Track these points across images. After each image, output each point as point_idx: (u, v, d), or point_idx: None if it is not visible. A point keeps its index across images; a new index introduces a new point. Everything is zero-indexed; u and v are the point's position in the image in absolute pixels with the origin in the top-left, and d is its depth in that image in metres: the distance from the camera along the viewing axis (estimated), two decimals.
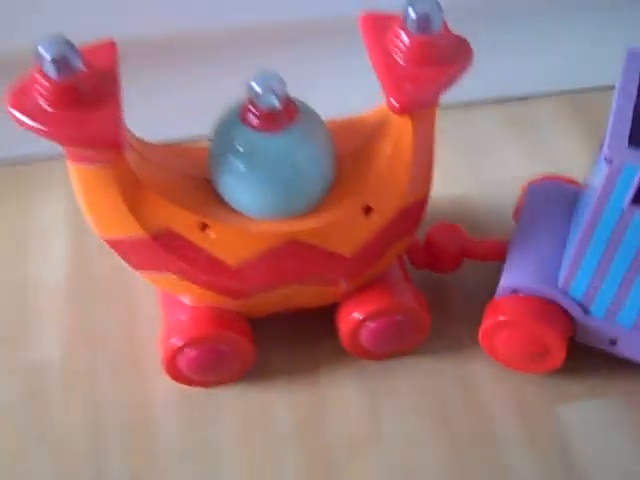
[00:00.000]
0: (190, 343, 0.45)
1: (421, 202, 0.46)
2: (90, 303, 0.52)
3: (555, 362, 0.48)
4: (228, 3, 0.56)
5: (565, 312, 0.47)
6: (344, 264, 0.44)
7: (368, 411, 0.48)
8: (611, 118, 0.40)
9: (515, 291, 0.47)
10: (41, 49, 0.37)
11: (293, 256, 0.43)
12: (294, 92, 0.43)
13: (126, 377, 0.49)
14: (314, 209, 0.44)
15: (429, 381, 0.49)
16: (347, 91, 0.55)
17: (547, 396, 0.49)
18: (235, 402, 0.48)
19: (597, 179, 0.42)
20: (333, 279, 0.46)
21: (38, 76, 0.37)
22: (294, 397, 0.49)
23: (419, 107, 0.41)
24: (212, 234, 0.43)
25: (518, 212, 0.54)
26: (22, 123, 0.38)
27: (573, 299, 0.46)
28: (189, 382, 0.48)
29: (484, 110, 0.65)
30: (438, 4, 0.40)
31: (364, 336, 0.48)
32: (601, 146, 0.44)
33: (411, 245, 0.50)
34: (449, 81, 0.41)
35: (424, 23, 0.40)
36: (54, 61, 0.37)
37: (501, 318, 0.47)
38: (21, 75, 0.39)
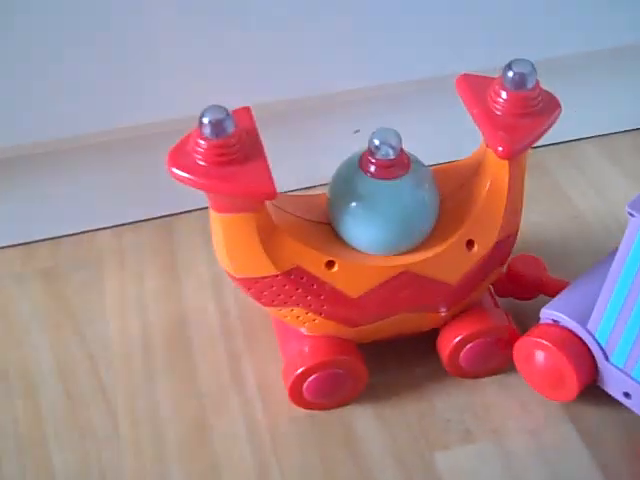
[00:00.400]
0: (313, 369, 0.52)
1: (513, 236, 0.55)
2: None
3: (568, 393, 0.54)
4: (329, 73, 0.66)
5: (590, 353, 0.54)
6: (449, 291, 0.52)
7: None
8: None
9: (555, 321, 0.54)
10: (204, 116, 0.44)
11: (406, 286, 0.50)
12: None
13: None
14: (422, 244, 0.51)
15: None
16: (434, 143, 0.63)
17: (424, 443, 0.54)
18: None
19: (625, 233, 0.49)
20: (439, 306, 0.53)
21: (197, 139, 0.44)
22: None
23: (520, 153, 0.50)
24: (336, 269, 0.50)
25: None
26: (182, 179, 0.45)
27: (597, 342, 0.53)
28: (312, 406, 0.55)
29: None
30: (532, 65, 0.49)
31: (463, 357, 0.56)
32: None
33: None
34: (543, 130, 0.50)
35: (520, 81, 0.48)
36: (212, 125, 0.44)
37: (534, 339, 0.54)
38: (179, 140, 0.46)
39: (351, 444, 0.55)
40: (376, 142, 0.48)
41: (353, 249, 0.51)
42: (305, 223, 0.52)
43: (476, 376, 0.58)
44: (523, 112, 0.50)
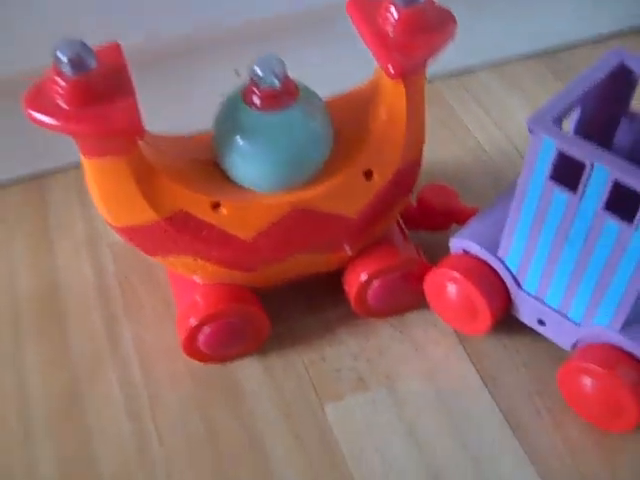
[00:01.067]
0: (207, 320, 0.49)
1: (416, 163, 0.51)
2: None
3: (483, 325, 0.52)
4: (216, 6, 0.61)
5: (502, 282, 0.51)
6: (350, 226, 0.49)
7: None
8: (556, 95, 0.45)
9: (465, 251, 0.52)
10: (58, 51, 0.40)
11: (302, 223, 0.47)
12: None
13: None
14: (316, 178, 0.48)
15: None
16: (334, 73, 0.59)
17: (314, 395, 0.51)
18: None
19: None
20: (340, 242, 0.50)
21: (55, 77, 0.41)
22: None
23: (412, 72, 0.46)
24: (224, 211, 0.46)
25: None
26: (41, 122, 0.41)
27: (508, 270, 0.50)
28: (207, 359, 0.52)
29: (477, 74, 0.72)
30: None
31: (371, 295, 0.53)
32: None
33: (406, 207, 0.56)
34: (437, 47, 0.46)
35: None
36: (70, 61, 0.40)
37: (444, 271, 0.51)
38: (36, 81, 0.42)
39: (237, 402, 0.51)
40: (258, 71, 0.45)
41: (242, 188, 0.48)
42: (189, 164, 0.48)
43: (386, 315, 0.55)
44: (415, 29, 0.46)
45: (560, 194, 0.45)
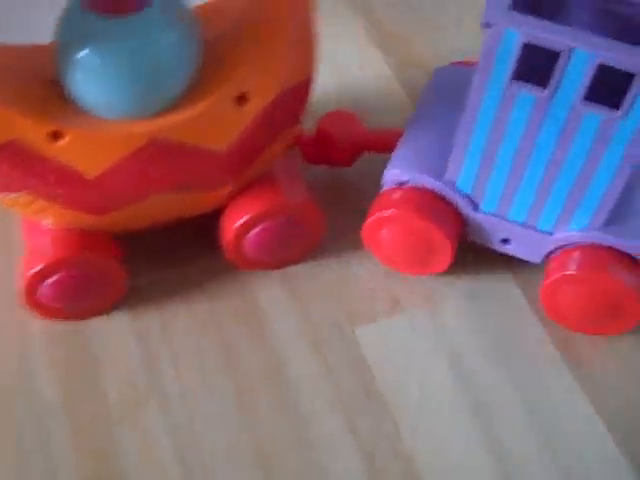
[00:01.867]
0: (51, 268, 0.41)
1: (303, 85, 0.42)
2: None
3: (443, 260, 0.45)
4: None
5: (454, 207, 0.44)
6: (220, 161, 0.40)
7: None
8: None
9: (401, 183, 0.44)
10: None
11: (160, 158, 0.39)
12: None
13: None
14: (178, 103, 0.39)
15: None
16: None
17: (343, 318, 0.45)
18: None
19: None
20: (209, 182, 0.41)
21: None
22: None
23: None
24: (64, 142, 0.38)
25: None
26: None
27: (461, 192, 0.43)
28: (55, 314, 0.44)
29: None
30: None
31: (249, 244, 0.44)
32: None
33: (302, 139, 0.47)
34: None
35: None
36: None
37: (384, 213, 0.43)
38: None
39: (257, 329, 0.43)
40: None
41: (88, 114, 0.39)
42: (24, 82, 0.39)
43: (268, 267, 0.46)
44: None
45: (526, 95, 0.38)
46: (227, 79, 0.39)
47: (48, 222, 0.42)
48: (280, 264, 0.46)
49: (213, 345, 0.44)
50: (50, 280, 0.42)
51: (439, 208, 0.43)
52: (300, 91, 0.42)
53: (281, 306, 0.45)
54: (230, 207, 0.44)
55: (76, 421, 0.41)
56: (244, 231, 0.43)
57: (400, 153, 0.44)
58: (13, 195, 0.40)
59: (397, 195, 0.43)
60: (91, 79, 0.38)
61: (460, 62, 0.49)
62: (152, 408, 0.41)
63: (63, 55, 0.38)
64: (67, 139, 0.38)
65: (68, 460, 0.40)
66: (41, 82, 0.39)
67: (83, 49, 0.37)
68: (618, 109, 0.36)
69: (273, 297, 0.45)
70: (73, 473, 0.39)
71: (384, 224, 0.44)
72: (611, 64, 0.35)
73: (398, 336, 0.44)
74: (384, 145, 0.48)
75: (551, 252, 0.44)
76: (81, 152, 0.38)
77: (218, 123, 0.40)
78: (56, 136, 0.38)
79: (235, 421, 0.41)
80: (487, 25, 0.35)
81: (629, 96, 0.35)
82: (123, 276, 0.44)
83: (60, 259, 0.41)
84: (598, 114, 0.36)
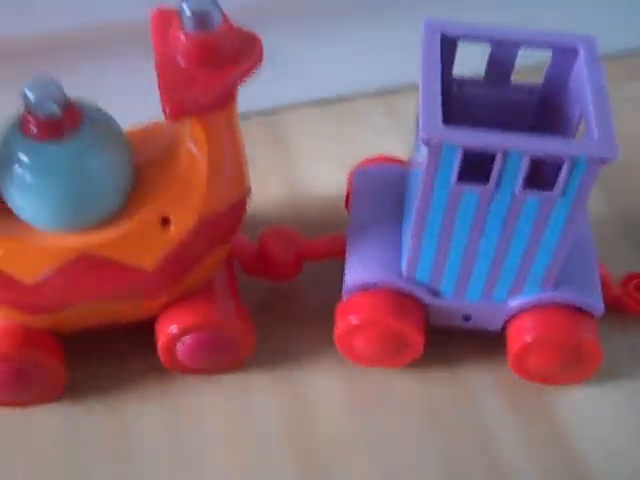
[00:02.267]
0: None
1: (234, 208, 0.44)
2: None
3: (415, 351, 0.48)
4: None
5: (415, 299, 0.47)
6: (147, 278, 0.43)
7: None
8: (421, 97, 0.40)
9: (361, 289, 0.46)
10: None
11: (89, 271, 0.42)
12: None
13: None
14: (108, 221, 0.42)
15: None
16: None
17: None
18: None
19: (421, 161, 0.42)
20: (137, 294, 0.44)
21: None
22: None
23: (195, 112, 0.39)
24: (0, 251, 0.41)
25: (348, 201, 0.52)
26: None
27: (420, 284, 0.46)
28: None
29: (297, 111, 0.62)
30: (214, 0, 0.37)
31: (180, 351, 0.46)
32: (416, 125, 0.44)
33: (243, 252, 0.49)
34: (230, 81, 0.38)
35: (200, 21, 0.37)
36: None
37: (354, 320, 0.45)
38: None
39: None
40: (31, 96, 0.38)
41: (23, 225, 0.42)
42: None
43: (198, 373, 0.48)
44: (206, 60, 0.38)
45: (470, 193, 0.42)
46: (150, 203, 0.42)
47: None
48: (211, 372, 0.48)
49: None
50: None
51: (405, 304, 0.46)
52: (230, 215, 0.44)
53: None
54: (163, 315, 0.46)
55: None
56: (175, 339, 0.45)
57: (354, 260, 0.47)
58: None
59: (363, 300, 0.46)
60: (25, 196, 0.40)
61: (375, 159, 0.52)
62: None
63: (1, 171, 0.40)
64: (2, 248, 0.41)
65: None
66: None
67: (18, 168, 0.40)
68: (552, 189, 0.40)
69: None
70: None
71: (356, 329, 0.46)
72: (542, 157, 0.39)
73: None
74: (325, 254, 0.50)
75: (509, 319, 0.47)
76: (15, 261, 0.41)
77: (144, 243, 0.42)
78: None
79: None
80: (427, 142, 0.39)
81: (561, 178, 0.40)
82: (61, 374, 0.45)
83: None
84: (537, 197, 0.40)
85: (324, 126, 0.62)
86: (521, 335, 0.46)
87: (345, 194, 0.54)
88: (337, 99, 0.63)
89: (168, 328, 0.45)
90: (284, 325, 0.51)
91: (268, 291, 0.52)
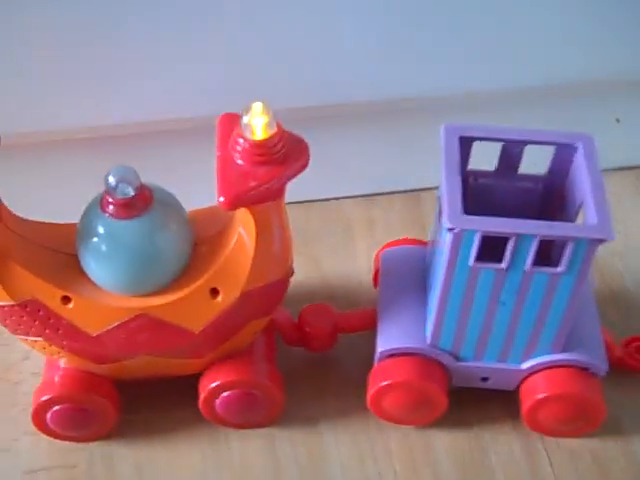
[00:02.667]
0: (56, 400, 0.51)
1: (275, 286, 0.50)
2: None
3: (440, 410, 0.53)
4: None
5: (439, 364, 0.52)
6: (193, 339, 0.49)
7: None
8: (444, 192, 0.46)
9: (391, 355, 0.52)
10: None
11: (145, 329, 0.49)
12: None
13: None
14: (166, 288, 0.49)
15: None
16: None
17: None
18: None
19: (443, 244, 0.48)
20: (183, 353, 0.50)
21: None
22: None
23: (246, 204, 0.45)
24: (72, 305, 0.48)
25: (376, 278, 0.58)
26: None
27: (443, 350, 0.52)
28: (56, 436, 0.54)
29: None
30: (268, 110, 0.44)
31: (219, 404, 0.53)
32: (438, 212, 0.51)
33: (284, 325, 0.55)
34: (279, 179, 0.45)
35: (256, 128, 0.44)
36: None
37: (385, 382, 0.51)
38: None
39: None
40: (111, 180, 0.46)
41: (94, 286, 0.49)
42: (49, 253, 0.49)
43: (238, 427, 0.55)
44: (260, 160, 0.45)
45: (488, 270, 0.48)
46: (206, 274, 0.48)
47: (62, 361, 0.51)
48: (245, 425, 0.55)
49: None
50: (54, 408, 0.51)
51: (430, 368, 0.52)
52: (273, 288, 0.50)
53: None
54: (206, 372, 0.52)
55: None
56: (214, 394, 0.52)
57: (385, 331, 0.53)
58: (31, 339, 0.49)
59: (393, 365, 0.52)
60: (98, 263, 0.48)
61: (398, 242, 0.59)
62: None
63: (80, 239, 0.48)
64: (74, 304, 0.48)
65: None
66: (63, 255, 0.49)
67: (95, 240, 0.47)
68: (559, 266, 0.47)
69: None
70: None
71: (387, 390, 0.52)
72: (549, 238, 0.46)
73: None
74: (357, 326, 0.56)
75: (523, 380, 0.53)
76: (84, 315, 0.48)
77: (194, 309, 0.49)
78: (66, 300, 0.48)
79: None
80: (451, 229, 0.45)
81: (566, 256, 0.46)
82: (115, 414, 0.53)
83: (64, 394, 0.51)
84: (545, 273, 0.47)
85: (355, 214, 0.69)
86: (533, 394, 0.52)
87: (373, 272, 0.60)
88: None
89: (209, 384, 0.52)
90: (317, 390, 0.57)
91: (305, 360, 0.58)
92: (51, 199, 0.60)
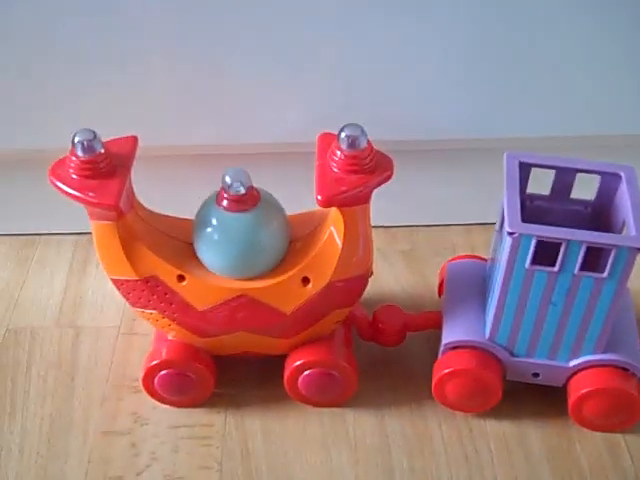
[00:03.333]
0: (163, 365, 0.60)
1: (357, 280, 0.59)
2: None
3: (495, 399, 0.61)
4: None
5: (495, 357, 0.61)
6: (284, 320, 0.58)
7: None
8: (506, 204, 0.55)
9: (454, 348, 0.60)
10: (75, 136, 0.53)
11: (245, 307, 0.57)
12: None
13: None
14: (265, 274, 0.58)
15: None
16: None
17: None
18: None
19: (503, 251, 0.57)
20: (274, 331, 0.59)
21: (70, 156, 0.53)
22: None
23: (338, 204, 0.55)
24: (186, 283, 0.57)
25: (441, 287, 0.67)
26: (56, 187, 0.53)
27: (500, 345, 0.60)
28: (161, 399, 0.62)
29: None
30: (362, 129, 0.54)
31: (301, 382, 0.60)
32: (499, 225, 0.60)
33: (361, 321, 0.64)
34: (366, 186, 0.54)
35: (352, 142, 0.54)
36: (80, 143, 0.53)
37: (448, 370, 0.59)
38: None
39: None
40: (227, 179, 0.55)
41: (204, 268, 0.58)
42: (169, 240, 0.59)
43: (316, 404, 0.63)
44: (353, 169, 0.54)
45: (541, 272, 0.57)
46: (297, 265, 0.57)
47: (171, 335, 0.60)
48: (323, 404, 0.63)
49: None
50: (161, 373, 0.60)
51: (487, 360, 0.60)
52: (355, 282, 0.59)
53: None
54: (292, 353, 0.61)
55: None
56: (298, 371, 0.60)
57: (449, 327, 0.61)
58: (148, 311, 0.58)
59: (455, 356, 0.60)
60: (210, 249, 0.57)
61: (463, 256, 0.68)
62: None
63: (196, 230, 0.57)
64: (187, 282, 0.57)
65: None
66: (181, 242, 0.59)
67: (209, 229, 0.56)
68: (603, 272, 0.55)
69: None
70: None
71: (450, 378, 0.60)
72: (594, 245, 0.54)
73: None
74: (424, 325, 0.65)
75: (570, 377, 0.61)
76: (195, 292, 0.57)
77: (287, 293, 0.57)
78: (181, 278, 0.57)
79: None
80: (511, 234, 0.54)
81: (610, 262, 0.55)
82: (212, 382, 0.61)
83: (169, 360, 0.59)
84: (591, 277, 0.56)
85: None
86: (579, 389, 0.60)
87: (438, 283, 0.69)
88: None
89: (294, 362, 0.60)
90: (386, 379, 0.65)
91: (379, 353, 0.67)
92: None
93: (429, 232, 0.79)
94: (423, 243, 0.78)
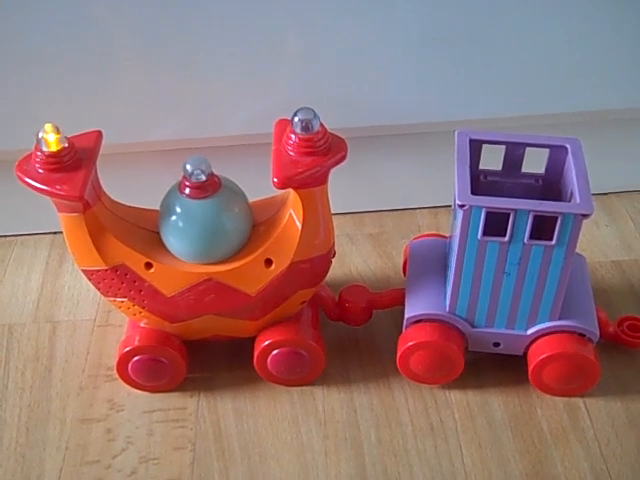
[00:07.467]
0: (136, 351, 0.62)
1: (319, 260, 0.61)
2: None
3: (458, 370, 0.63)
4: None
5: (456, 329, 0.63)
6: (250, 301, 0.60)
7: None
8: (456, 178, 0.58)
9: (417, 322, 0.62)
10: (39, 132, 0.54)
11: (211, 291, 0.59)
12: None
13: None
14: (229, 258, 0.60)
15: None
16: None
17: None
18: None
19: (457, 225, 0.60)
20: (241, 313, 0.61)
21: (36, 151, 0.55)
22: None
23: (294, 185, 0.56)
24: (153, 270, 0.59)
25: (405, 266, 0.69)
26: (23, 181, 0.55)
27: (460, 317, 0.63)
28: (135, 385, 0.64)
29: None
30: (314, 112, 0.56)
31: (270, 362, 0.62)
32: (453, 202, 0.62)
33: (328, 302, 0.66)
34: (321, 167, 0.56)
35: (305, 125, 0.56)
36: (43, 139, 0.54)
37: (411, 343, 0.61)
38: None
39: None
40: (188, 167, 0.57)
41: (171, 255, 0.60)
42: (136, 229, 0.61)
43: (286, 383, 0.65)
44: (307, 152, 0.56)
45: (493, 243, 0.59)
46: (259, 248, 0.59)
47: (143, 322, 0.62)
48: (293, 382, 0.65)
49: None
50: (134, 359, 0.62)
51: (449, 332, 0.62)
52: (317, 262, 0.61)
53: None
54: (260, 334, 0.63)
55: None
56: (267, 351, 0.62)
57: (411, 302, 0.63)
58: (119, 300, 0.61)
59: (418, 329, 0.62)
60: (175, 236, 0.59)
61: (425, 235, 0.70)
62: None
63: (161, 218, 0.59)
64: (155, 269, 0.59)
65: None
66: (148, 232, 0.61)
67: (173, 217, 0.58)
68: (552, 240, 0.58)
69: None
70: None
71: (414, 351, 0.62)
72: (541, 214, 0.56)
73: None
74: (389, 303, 0.67)
75: (529, 345, 0.63)
76: (163, 279, 0.59)
77: (251, 275, 0.59)
78: (149, 266, 0.59)
79: None
80: (461, 206, 0.57)
81: (557, 230, 0.57)
82: (183, 369, 0.63)
83: (141, 346, 0.62)
84: (541, 245, 0.58)
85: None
86: (537, 355, 0.62)
87: (402, 262, 0.71)
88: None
89: (263, 342, 0.62)
90: (354, 356, 0.67)
91: (346, 331, 0.69)
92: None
93: (396, 216, 0.81)
94: (390, 226, 0.80)
